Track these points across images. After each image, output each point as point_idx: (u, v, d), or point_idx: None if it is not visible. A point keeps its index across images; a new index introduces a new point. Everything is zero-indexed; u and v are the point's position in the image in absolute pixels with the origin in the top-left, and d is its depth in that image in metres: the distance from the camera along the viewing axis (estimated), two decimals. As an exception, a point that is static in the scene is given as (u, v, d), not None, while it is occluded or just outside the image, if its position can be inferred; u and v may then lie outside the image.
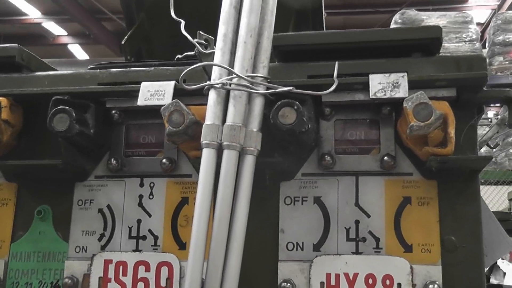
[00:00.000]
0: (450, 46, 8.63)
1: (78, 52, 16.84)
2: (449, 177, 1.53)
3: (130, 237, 1.66)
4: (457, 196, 1.53)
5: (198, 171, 1.40)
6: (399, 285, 1.47)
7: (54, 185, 1.72)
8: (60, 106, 1.58)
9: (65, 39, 16.28)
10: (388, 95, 1.48)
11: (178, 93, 1.58)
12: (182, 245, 1.62)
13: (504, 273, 5.68)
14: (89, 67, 1.88)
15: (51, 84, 1.70)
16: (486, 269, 1.61)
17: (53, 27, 15.53)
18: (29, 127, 1.76)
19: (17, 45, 1.78)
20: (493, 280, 5.62)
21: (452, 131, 1.44)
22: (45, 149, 1.73)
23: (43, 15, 14.80)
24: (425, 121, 1.39)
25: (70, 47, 16.57)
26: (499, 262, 5.64)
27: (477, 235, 1.51)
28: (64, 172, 1.67)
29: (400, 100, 1.45)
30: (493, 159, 9.31)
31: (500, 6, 13.05)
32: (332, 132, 1.61)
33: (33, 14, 14.74)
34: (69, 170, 1.67)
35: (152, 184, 1.68)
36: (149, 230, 1.65)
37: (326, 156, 1.58)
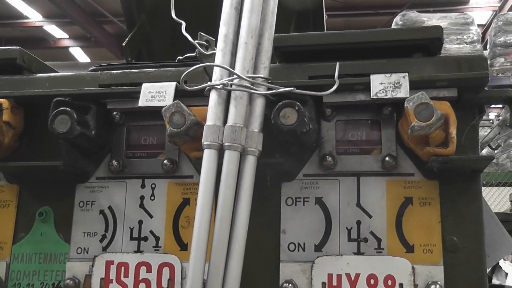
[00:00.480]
0: (451, 47, 8.63)
1: (79, 55, 16.87)
2: (450, 177, 1.53)
3: (131, 238, 1.66)
4: (458, 196, 1.53)
5: (199, 172, 1.41)
6: (401, 285, 1.47)
7: (55, 187, 1.72)
8: (61, 108, 1.58)
9: (66, 42, 16.32)
10: (389, 96, 1.48)
11: (179, 94, 1.58)
12: (183, 246, 1.62)
13: (506, 274, 5.68)
14: (90, 69, 1.88)
15: (52, 85, 1.71)
16: (488, 270, 1.61)
17: (54, 30, 15.56)
18: (30, 128, 1.76)
19: (18, 47, 1.78)
20: (495, 281, 5.61)
21: (453, 131, 1.44)
22: (46, 150, 1.74)
23: (44, 18, 14.83)
24: (427, 121, 1.39)
25: (71, 50, 16.60)
26: (501, 262, 5.64)
27: (479, 235, 1.51)
28: (65, 173, 1.67)
29: (401, 101, 1.45)
30: (495, 161, 9.31)
31: (501, 8, 13.06)
32: (333, 133, 1.61)
33: (34, 17, 14.77)
34: (70, 172, 1.68)
35: (153, 185, 1.68)
36: (151, 231, 1.65)
37: (327, 156, 1.58)
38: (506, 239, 1.76)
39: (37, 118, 1.75)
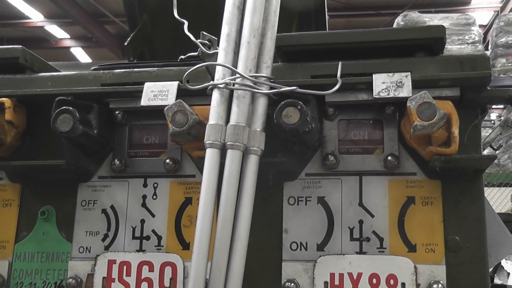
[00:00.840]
0: (453, 48, 8.61)
1: (81, 55, 16.89)
2: (453, 177, 1.53)
3: (133, 237, 1.66)
4: (461, 196, 1.53)
5: (201, 171, 1.40)
6: (403, 285, 1.47)
7: (58, 186, 1.73)
8: (64, 107, 1.58)
9: (68, 42, 16.33)
10: (391, 95, 1.48)
11: (181, 93, 1.58)
12: (185, 245, 1.62)
13: (508, 274, 5.67)
14: (92, 68, 1.88)
15: (55, 85, 1.71)
16: (490, 269, 1.61)
17: (56, 30, 15.57)
18: (33, 127, 1.76)
19: (20, 46, 1.78)
20: (497, 281, 5.61)
21: (456, 130, 1.44)
22: (49, 149, 1.74)
23: (46, 19, 14.84)
24: (429, 121, 1.39)
25: (72, 50, 16.61)
26: (503, 262, 5.63)
27: (481, 235, 1.51)
28: (68, 172, 1.67)
29: (404, 100, 1.45)
30: (496, 161, 9.29)
31: (502, 8, 13.04)
32: (335, 132, 1.61)
33: (35, 17, 14.77)
34: (73, 171, 1.68)
35: (155, 185, 1.68)
36: (153, 231, 1.65)
37: (329, 156, 1.58)
38: (509, 239, 1.76)
39: (40, 117, 1.75)
